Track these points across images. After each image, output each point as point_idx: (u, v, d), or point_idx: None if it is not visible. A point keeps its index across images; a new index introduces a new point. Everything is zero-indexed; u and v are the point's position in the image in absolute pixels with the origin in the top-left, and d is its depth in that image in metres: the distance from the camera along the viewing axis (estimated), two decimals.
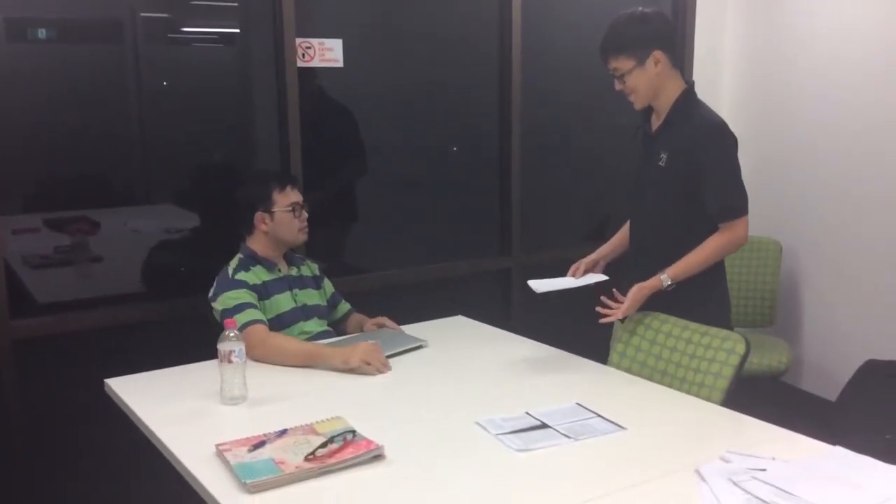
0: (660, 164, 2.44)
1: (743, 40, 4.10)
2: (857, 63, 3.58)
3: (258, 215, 2.57)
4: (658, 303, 2.43)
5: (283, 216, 2.57)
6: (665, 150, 2.43)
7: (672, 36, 2.47)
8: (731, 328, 2.45)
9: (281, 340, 2.42)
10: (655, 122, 2.51)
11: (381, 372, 2.30)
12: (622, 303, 2.39)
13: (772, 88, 3.98)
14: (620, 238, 2.71)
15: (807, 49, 3.79)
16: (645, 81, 2.41)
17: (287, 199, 2.58)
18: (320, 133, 3.19)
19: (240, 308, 2.42)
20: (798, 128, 3.86)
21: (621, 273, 2.62)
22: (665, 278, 2.37)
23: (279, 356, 2.37)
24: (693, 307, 2.40)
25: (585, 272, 2.60)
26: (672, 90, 2.44)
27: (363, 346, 2.33)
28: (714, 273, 2.47)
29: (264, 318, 2.46)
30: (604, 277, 2.55)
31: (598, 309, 2.41)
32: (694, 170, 2.38)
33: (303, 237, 2.64)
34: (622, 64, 2.40)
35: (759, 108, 4.05)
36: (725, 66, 4.18)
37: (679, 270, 2.38)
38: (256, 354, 2.34)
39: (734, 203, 2.38)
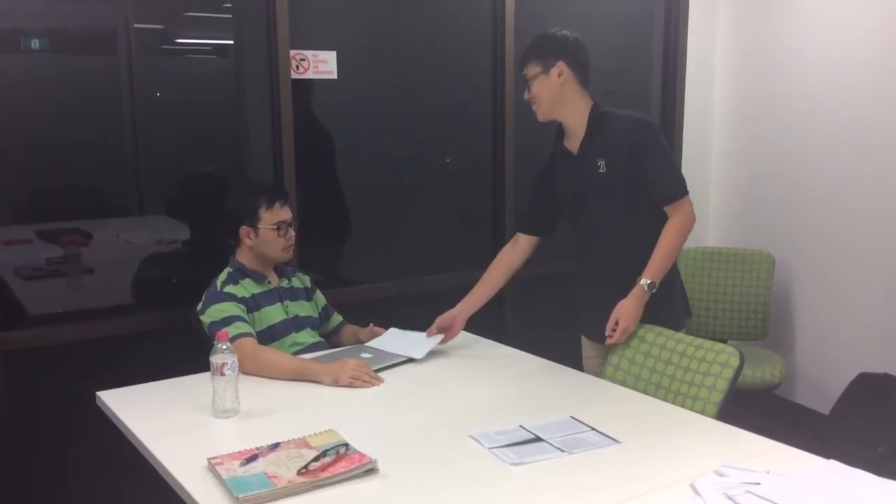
0: (600, 171, 2.51)
1: (734, 53, 4.13)
2: (849, 75, 3.60)
3: (243, 229, 2.56)
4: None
5: (268, 234, 2.55)
6: (600, 156, 2.51)
7: (581, 57, 2.53)
8: (691, 314, 2.65)
9: (271, 355, 2.41)
10: (573, 143, 2.57)
11: (372, 385, 2.29)
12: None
13: (763, 101, 4.00)
14: (479, 293, 2.74)
15: (799, 61, 3.82)
16: (548, 90, 2.50)
17: (274, 217, 2.55)
18: (308, 146, 3.19)
19: (227, 321, 2.41)
20: (791, 140, 3.88)
21: (586, 291, 2.67)
22: (645, 283, 2.43)
23: (269, 371, 2.36)
24: (661, 309, 2.48)
25: (441, 329, 2.64)
26: (580, 107, 2.53)
27: (351, 363, 2.32)
28: (674, 269, 2.56)
29: (253, 332, 2.45)
30: (437, 340, 2.60)
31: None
32: (634, 161, 2.47)
33: (286, 256, 2.61)
34: (529, 70, 2.52)
35: (752, 120, 4.07)
36: (717, 79, 4.20)
37: (655, 270, 2.45)
38: (245, 368, 2.32)
39: (676, 185, 2.49)
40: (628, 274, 2.46)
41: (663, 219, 2.48)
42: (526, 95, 2.55)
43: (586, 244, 2.66)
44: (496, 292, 2.77)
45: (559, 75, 2.48)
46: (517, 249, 2.76)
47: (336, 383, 2.27)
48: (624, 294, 2.45)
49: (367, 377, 2.29)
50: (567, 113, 2.54)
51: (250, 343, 2.39)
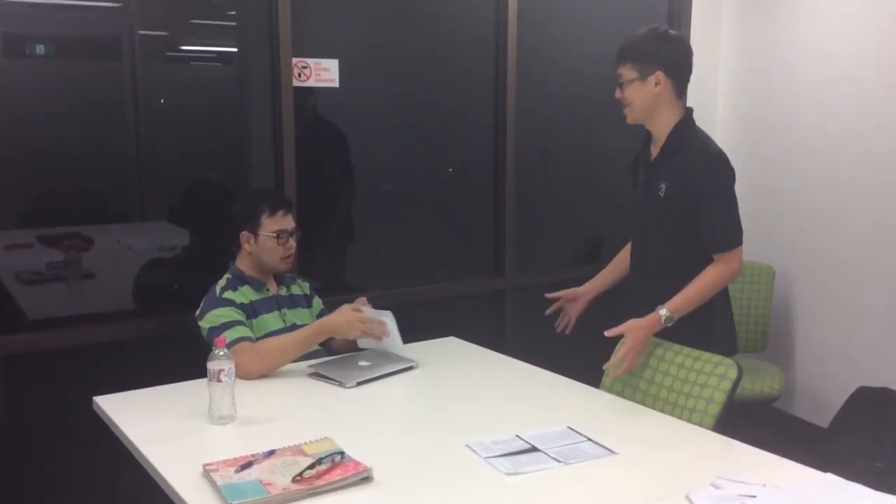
0: (659, 193, 2.45)
1: (736, 66, 4.14)
2: (850, 89, 3.61)
3: (244, 234, 2.57)
4: (662, 331, 2.41)
5: (267, 241, 2.55)
6: (664, 180, 2.44)
7: (683, 65, 2.46)
8: (735, 352, 2.50)
9: (272, 342, 2.43)
10: (654, 150, 2.51)
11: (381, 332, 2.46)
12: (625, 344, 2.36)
13: (765, 115, 4.01)
14: (609, 273, 2.75)
15: (800, 76, 3.83)
16: (641, 97, 2.42)
17: (275, 225, 2.56)
18: (313, 153, 3.20)
19: (227, 326, 2.41)
20: (791, 153, 3.89)
21: (623, 300, 2.64)
22: (665, 314, 2.35)
23: (278, 358, 2.39)
24: (692, 339, 2.39)
25: (565, 300, 2.70)
26: (669, 117, 2.45)
27: (354, 320, 2.43)
28: (717, 304, 2.48)
29: (252, 336, 2.45)
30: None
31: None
32: (692, 200, 2.39)
33: (284, 266, 2.61)
34: (626, 72, 2.43)
35: (753, 133, 4.07)
36: (719, 91, 4.21)
37: (677, 305, 2.36)
38: (254, 370, 2.34)
39: (729, 235, 2.39)
40: (666, 299, 2.40)
41: (706, 259, 2.40)
42: (617, 94, 2.47)
43: (637, 256, 2.63)
44: (621, 277, 2.73)
45: (656, 84, 2.41)
46: None
47: (349, 338, 2.44)
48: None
49: (374, 325, 2.44)
50: (655, 121, 2.47)
51: (247, 345, 2.39)
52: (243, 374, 2.24)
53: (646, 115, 2.46)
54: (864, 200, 3.58)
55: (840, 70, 3.64)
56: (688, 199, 2.39)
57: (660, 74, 2.40)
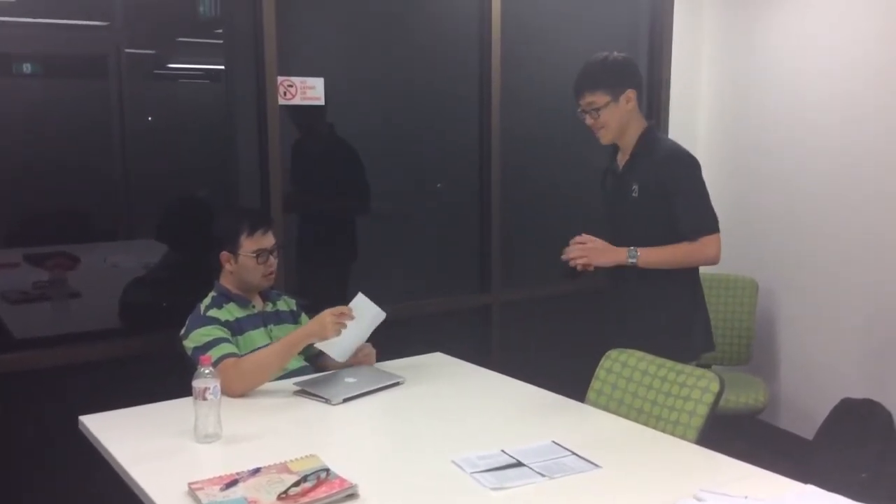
0: (633, 195, 2.61)
1: (718, 81, 4.18)
2: (831, 103, 3.65)
3: (224, 254, 2.57)
4: (645, 331, 2.55)
5: (247, 261, 2.55)
6: (636, 182, 2.61)
7: (642, 79, 2.68)
8: (713, 348, 2.69)
9: (251, 358, 2.42)
10: (622, 160, 2.68)
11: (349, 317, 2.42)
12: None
13: (747, 129, 4.05)
14: None
15: (782, 89, 3.87)
16: (617, 117, 2.60)
17: (255, 244, 2.55)
18: (322, 169, 3.22)
19: (211, 344, 2.40)
20: (774, 167, 3.92)
21: (610, 307, 2.70)
22: (632, 253, 2.52)
23: (260, 372, 2.39)
24: (673, 338, 2.52)
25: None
26: (636, 128, 2.64)
27: (327, 317, 2.39)
28: (698, 299, 2.65)
29: (238, 352, 2.44)
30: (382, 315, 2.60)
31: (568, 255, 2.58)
32: (664, 194, 2.55)
33: (266, 283, 2.62)
34: (598, 99, 2.58)
35: (735, 147, 4.11)
36: (701, 106, 4.25)
37: (647, 252, 2.53)
38: (238, 388, 2.33)
39: (703, 221, 2.55)
40: (650, 299, 2.55)
41: None
42: (589, 121, 2.62)
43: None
44: None
45: (627, 101, 2.59)
46: None
47: (325, 338, 2.39)
48: (645, 317, 2.55)
49: (346, 321, 2.41)
50: (627, 134, 2.65)
51: (231, 362, 2.38)
52: (227, 391, 2.24)
53: (620, 133, 2.63)
54: (846, 214, 3.62)
55: (823, 83, 3.68)
56: (661, 194, 2.55)
57: (630, 92, 2.59)
